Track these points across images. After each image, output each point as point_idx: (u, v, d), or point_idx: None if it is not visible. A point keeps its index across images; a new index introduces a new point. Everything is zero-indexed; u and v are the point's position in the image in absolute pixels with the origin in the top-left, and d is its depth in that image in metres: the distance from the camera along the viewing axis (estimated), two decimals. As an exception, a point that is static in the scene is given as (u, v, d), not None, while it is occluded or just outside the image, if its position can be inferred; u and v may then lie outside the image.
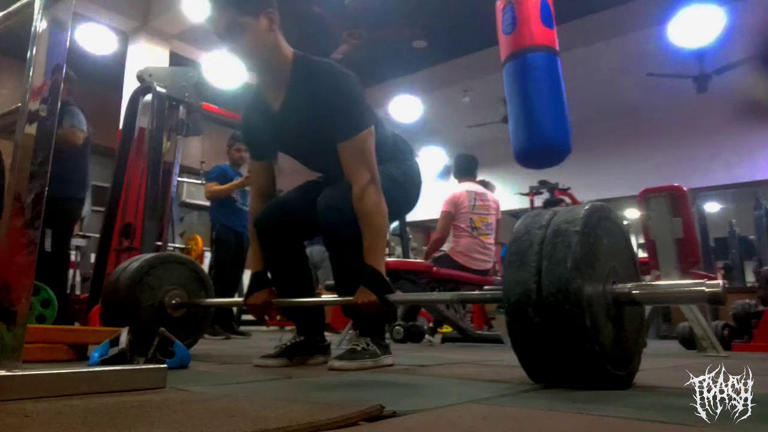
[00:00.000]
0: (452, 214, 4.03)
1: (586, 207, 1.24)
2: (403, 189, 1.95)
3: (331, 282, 2.61)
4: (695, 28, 6.33)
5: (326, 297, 2.01)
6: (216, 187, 4.58)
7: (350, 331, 3.28)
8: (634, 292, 1.23)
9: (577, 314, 1.11)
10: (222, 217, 4.61)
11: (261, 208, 1.94)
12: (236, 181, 4.57)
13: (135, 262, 2.13)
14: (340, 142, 1.73)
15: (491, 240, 4.04)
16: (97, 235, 4.41)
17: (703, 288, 1.18)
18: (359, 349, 1.74)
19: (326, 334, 2.10)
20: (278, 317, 6.70)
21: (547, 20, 3.19)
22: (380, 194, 1.71)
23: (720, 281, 1.19)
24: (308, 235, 1.98)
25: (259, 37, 1.70)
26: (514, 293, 1.17)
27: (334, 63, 1.80)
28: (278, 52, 1.76)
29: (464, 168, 4.29)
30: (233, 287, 4.57)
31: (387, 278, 1.70)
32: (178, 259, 2.28)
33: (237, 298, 2.04)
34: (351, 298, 1.69)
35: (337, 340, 3.20)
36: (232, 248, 4.54)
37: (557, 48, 3.22)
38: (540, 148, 3.14)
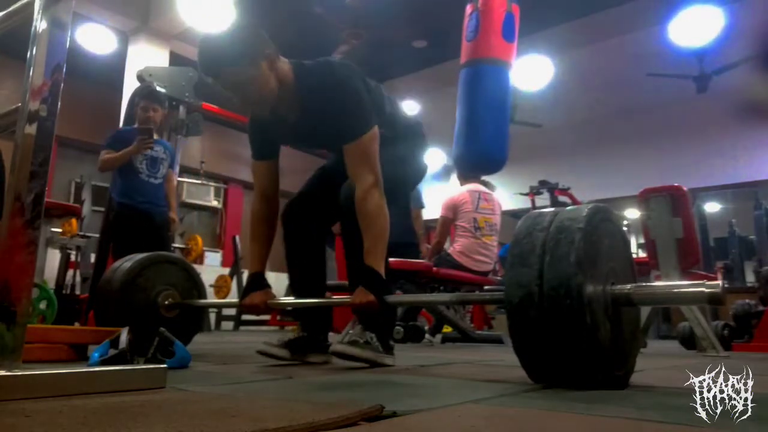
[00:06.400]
0: (450, 219, 4.01)
1: (589, 207, 1.25)
2: (406, 165, 2.00)
3: (332, 282, 2.60)
4: (695, 28, 6.33)
5: (326, 299, 2.00)
6: (109, 155, 3.42)
7: (350, 331, 3.27)
8: (632, 293, 1.23)
9: (578, 310, 1.11)
10: (120, 194, 3.49)
11: (264, 210, 1.94)
12: (131, 147, 3.36)
13: (127, 262, 2.13)
14: (344, 144, 1.76)
15: (494, 241, 4.02)
16: (97, 235, 4.40)
17: (703, 289, 1.17)
18: (361, 341, 1.76)
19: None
20: (278, 317, 6.70)
21: (508, 34, 3.29)
22: (383, 197, 1.73)
23: (719, 281, 1.19)
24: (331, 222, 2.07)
25: (265, 82, 1.69)
26: (516, 295, 1.17)
27: (331, 63, 1.80)
28: (283, 81, 1.75)
29: None
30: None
31: (385, 279, 1.70)
32: (170, 258, 2.28)
33: (231, 300, 2.03)
34: (348, 298, 1.70)
35: (337, 340, 3.20)
36: (135, 232, 3.40)
37: (512, 62, 3.37)
38: (477, 156, 3.34)
